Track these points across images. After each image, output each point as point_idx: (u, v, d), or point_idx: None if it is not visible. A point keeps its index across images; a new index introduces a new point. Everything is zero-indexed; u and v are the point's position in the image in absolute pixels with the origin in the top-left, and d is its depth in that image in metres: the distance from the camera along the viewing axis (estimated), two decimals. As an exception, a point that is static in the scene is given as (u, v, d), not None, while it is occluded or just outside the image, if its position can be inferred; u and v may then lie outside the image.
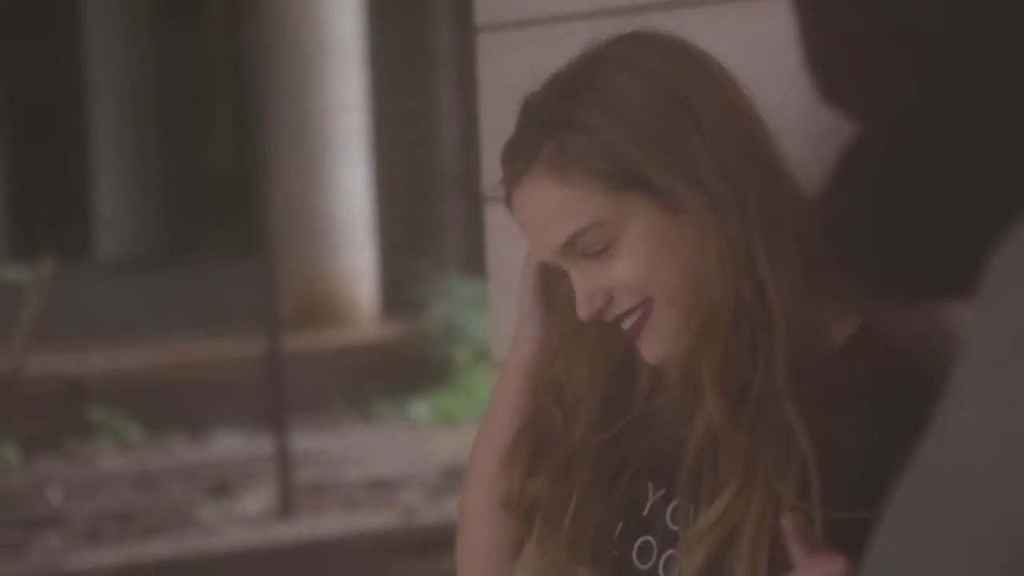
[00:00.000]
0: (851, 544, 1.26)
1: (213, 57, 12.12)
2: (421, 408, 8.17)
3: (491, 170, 2.31)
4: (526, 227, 1.38)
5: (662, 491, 1.37)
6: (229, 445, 7.65)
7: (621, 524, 1.39)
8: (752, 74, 1.57)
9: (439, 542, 6.00)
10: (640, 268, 1.32)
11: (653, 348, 1.35)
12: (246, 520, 6.58)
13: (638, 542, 1.37)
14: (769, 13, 1.65)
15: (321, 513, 6.61)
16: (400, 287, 8.90)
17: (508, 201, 1.39)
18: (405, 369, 8.33)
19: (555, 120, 1.36)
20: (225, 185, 11.97)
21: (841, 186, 0.87)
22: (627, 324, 1.35)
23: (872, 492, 1.23)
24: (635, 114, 1.33)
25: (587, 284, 1.34)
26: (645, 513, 1.37)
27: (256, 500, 6.79)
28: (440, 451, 7.43)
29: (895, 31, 0.82)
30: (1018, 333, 0.68)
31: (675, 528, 1.35)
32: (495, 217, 2.32)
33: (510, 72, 2.23)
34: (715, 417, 1.30)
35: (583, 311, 1.35)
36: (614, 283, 1.33)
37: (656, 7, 1.84)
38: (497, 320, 2.33)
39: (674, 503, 1.36)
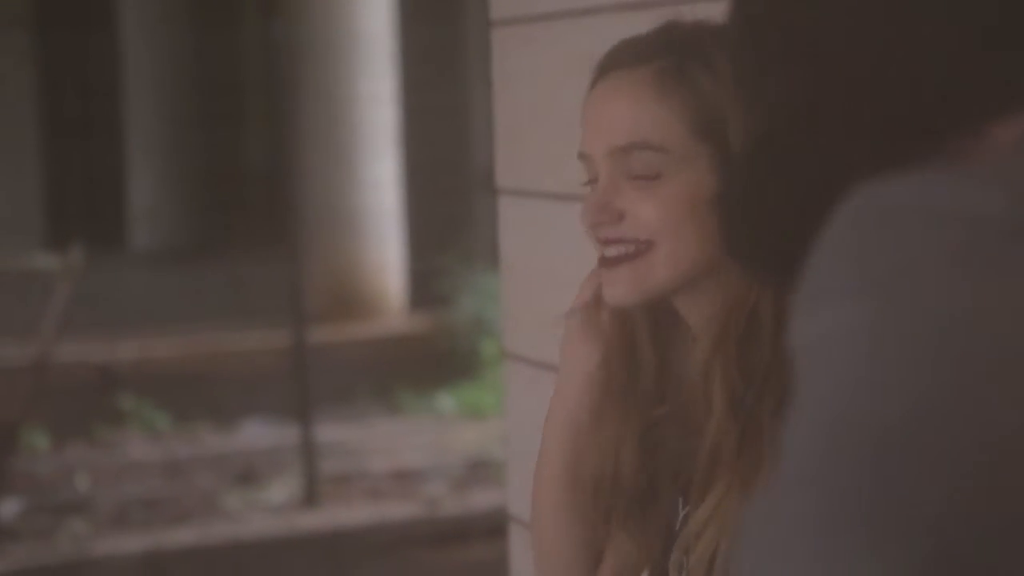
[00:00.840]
0: None
1: (246, 51, 12.18)
2: (447, 400, 8.21)
3: (505, 162, 2.35)
4: (596, 115, 1.35)
5: (687, 508, 1.36)
6: (256, 435, 7.70)
7: (660, 541, 1.39)
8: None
9: (461, 533, 6.05)
10: (669, 213, 1.31)
11: (621, 289, 1.33)
12: (271, 509, 6.63)
13: (672, 557, 1.37)
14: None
15: (345, 503, 6.65)
16: (428, 280, 8.94)
17: (592, 85, 1.37)
18: (432, 362, 8.37)
19: (687, 45, 1.34)
20: (257, 178, 12.03)
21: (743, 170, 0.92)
22: (613, 251, 1.33)
23: None
24: (734, 95, 1.29)
25: (610, 196, 1.32)
26: (677, 528, 1.37)
27: (281, 489, 6.84)
28: (465, 443, 7.47)
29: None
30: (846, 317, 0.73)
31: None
32: (508, 209, 2.36)
33: (523, 66, 2.27)
34: (721, 422, 1.30)
35: (589, 218, 1.32)
36: (637, 211, 1.31)
37: (663, 2, 1.87)
38: (508, 310, 2.37)
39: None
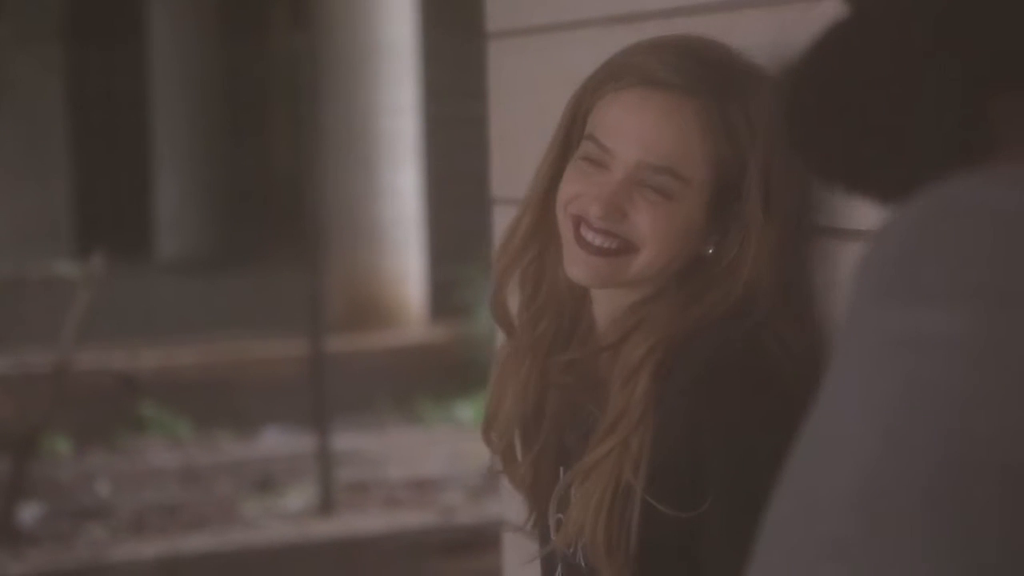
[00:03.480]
0: (663, 538, 1.37)
1: (271, 62, 12.24)
2: (466, 410, 8.23)
3: (500, 172, 2.38)
4: (634, 124, 1.45)
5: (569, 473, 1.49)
6: (275, 442, 7.73)
7: (542, 501, 1.53)
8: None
9: (477, 542, 6.07)
10: (663, 229, 1.43)
11: (592, 274, 1.45)
12: (287, 516, 6.66)
13: (554, 518, 1.50)
14: (756, 24, 1.70)
15: (361, 510, 6.68)
16: (448, 290, 8.96)
17: (616, 88, 1.46)
18: (451, 371, 8.39)
19: (724, 86, 1.44)
20: (281, 187, 12.08)
21: (809, 73, 0.85)
22: (597, 241, 1.44)
23: (690, 491, 1.35)
24: (761, 142, 1.43)
25: (622, 198, 1.43)
26: (560, 493, 1.49)
27: (299, 497, 6.87)
28: (482, 453, 7.47)
29: None
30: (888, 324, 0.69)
31: None
32: (504, 219, 2.39)
33: (518, 77, 2.30)
34: (638, 394, 1.40)
35: (598, 209, 1.43)
36: (639, 218, 1.43)
37: (653, 15, 1.89)
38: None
39: None
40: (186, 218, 11.76)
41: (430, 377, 8.31)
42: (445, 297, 9.01)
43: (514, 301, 1.59)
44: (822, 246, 1.58)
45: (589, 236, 1.44)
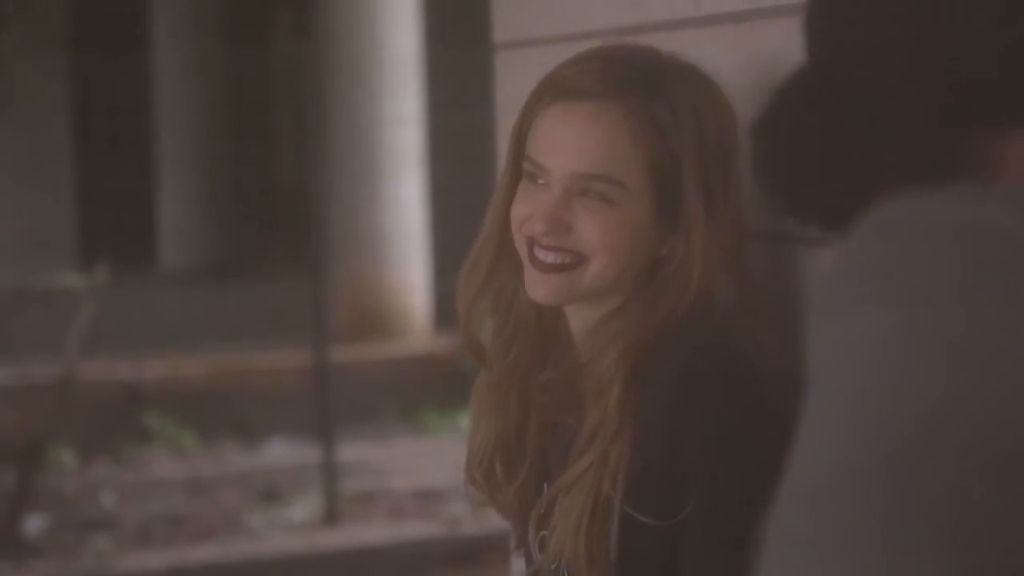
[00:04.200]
0: (643, 548, 1.37)
1: (275, 72, 12.26)
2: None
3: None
4: (562, 136, 1.45)
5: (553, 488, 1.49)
6: (280, 453, 7.73)
7: (527, 521, 1.52)
8: (744, 91, 1.63)
9: (482, 553, 6.06)
10: (610, 235, 1.43)
11: (549, 291, 1.45)
12: (292, 527, 6.66)
13: (539, 536, 1.50)
14: (762, 34, 1.70)
15: (366, 521, 6.68)
16: (452, 300, 8.95)
17: (545, 104, 1.47)
18: (456, 381, 8.38)
19: (651, 83, 1.45)
20: (285, 197, 12.10)
21: (777, 118, 0.93)
22: (549, 258, 1.45)
23: (670, 499, 1.34)
24: (692, 137, 1.44)
25: (562, 211, 1.44)
26: (543, 511, 1.49)
27: (304, 507, 6.87)
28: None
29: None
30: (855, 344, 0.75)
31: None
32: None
33: (525, 89, 2.30)
34: (613, 406, 1.40)
35: (541, 227, 1.44)
36: (583, 228, 1.43)
37: (659, 27, 1.90)
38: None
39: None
40: (190, 228, 11.76)
41: (434, 387, 8.31)
42: (449, 307, 8.95)
43: (485, 332, 1.60)
44: (785, 250, 1.58)
45: (541, 255, 1.45)
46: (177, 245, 11.85)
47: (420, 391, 8.31)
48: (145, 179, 12.11)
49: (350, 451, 7.21)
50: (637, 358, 1.40)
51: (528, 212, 1.47)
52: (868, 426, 0.71)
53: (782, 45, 1.68)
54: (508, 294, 1.53)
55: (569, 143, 1.45)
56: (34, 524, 6.51)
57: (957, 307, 0.72)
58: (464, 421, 8.78)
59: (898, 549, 0.68)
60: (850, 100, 0.87)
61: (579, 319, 1.49)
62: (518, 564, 1.67)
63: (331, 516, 6.66)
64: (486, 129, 2.40)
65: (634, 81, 1.45)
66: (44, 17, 12.04)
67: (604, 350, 1.43)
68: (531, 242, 1.46)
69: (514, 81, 2.33)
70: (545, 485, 1.51)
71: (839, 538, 0.69)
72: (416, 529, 6.50)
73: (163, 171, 11.92)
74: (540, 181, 1.47)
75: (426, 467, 7.45)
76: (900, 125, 0.85)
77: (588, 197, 1.44)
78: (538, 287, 1.45)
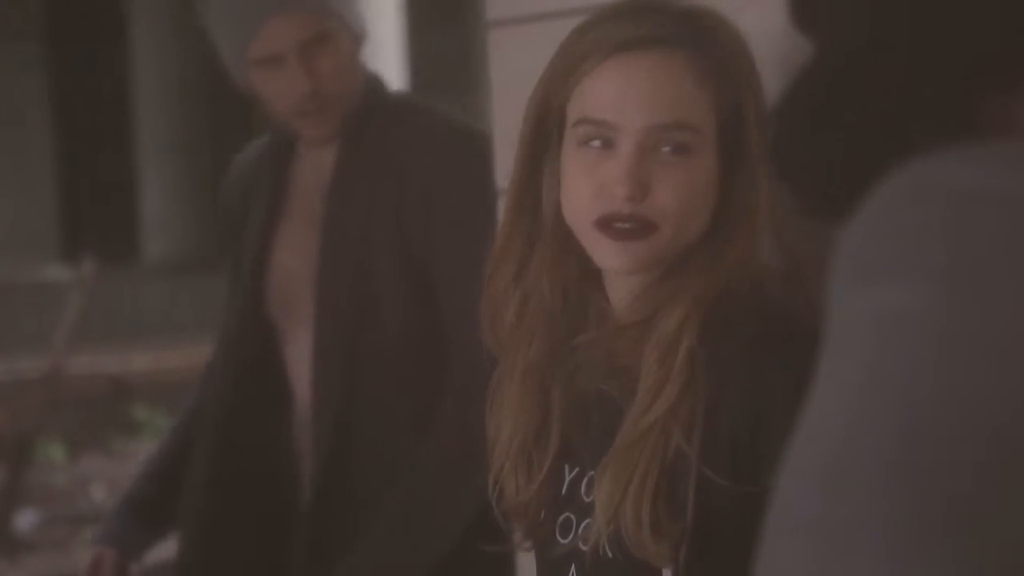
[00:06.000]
0: (718, 514, 1.31)
1: (256, 59, 12.22)
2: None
3: (504, 163, 2.35)
4: (632, 89, 1.39)
5: (576, 470, 1.42)
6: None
7: (544, 508, 1.44)
8: (786, 58, 1.60)
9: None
10: (681, 199, 1.37)
11: (627, 260, 1.38)
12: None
13: (560, 519, 1.42)
14: (765, 4, 1.68)
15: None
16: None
17: (595, 62, 1.40)
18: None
19: (700, 31, 1.41)
20: (268, 186, 12.05)
21: (795, 103, 0.90)
22: (620, 226, 1.37)
23: (750, 462, 1.29)
24: (747, 78, 1.41)
25: (640, 170, 1.37)
26: (564, 492, 1.43)
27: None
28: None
29: None
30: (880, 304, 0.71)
31: (590, 500, 1.39)
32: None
33: (521, 67, 2.26)
34: (687, 355, 1.34)
35: (625, 189, 1.36)
36: (657, 191, 1.37)
37: None
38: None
39: (589, 475, 1.40)
40: (173, 220, 11.72)
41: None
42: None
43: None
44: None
45: (615, 223, 1.37)
46: (160, 237, 11.81)
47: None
48: (127, 171, 12.06)
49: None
50: (707, 311, 1.34)
51: (595, 184, 1.38)
52: (890, 405, 0.68)
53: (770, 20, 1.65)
54: (528, 283, 1.45)
55: (640, 95, 1.38)
56: (26, 520, 6.48)
57: (999, 290, 0.69)
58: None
59: (914, 533, 0.65)
60: (862, 73, 0.84)
61: (626, 284, 1.42)
62: (526, 558, 1.61)
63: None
64: (469, 114, 2.38)
65: (686, 27, 1.41)
66: (21, 9, 11.97)
67: (665, 307, 1.36)
68: (606, 220, 1.37)
69: (510, 60, 2.30)
70: (567, 467, 1.45)
71: (853, 520, 0.66)
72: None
73: (145, 163, 11.87)
74: (595, 143, 1.39)
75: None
76: (922, 88, 0.82)
77: (662, 151, 1.37)
78: (613, 257, 1.37)
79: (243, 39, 2.39)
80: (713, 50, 1.40)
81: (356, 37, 2.43)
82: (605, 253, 1.39)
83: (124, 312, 9.27)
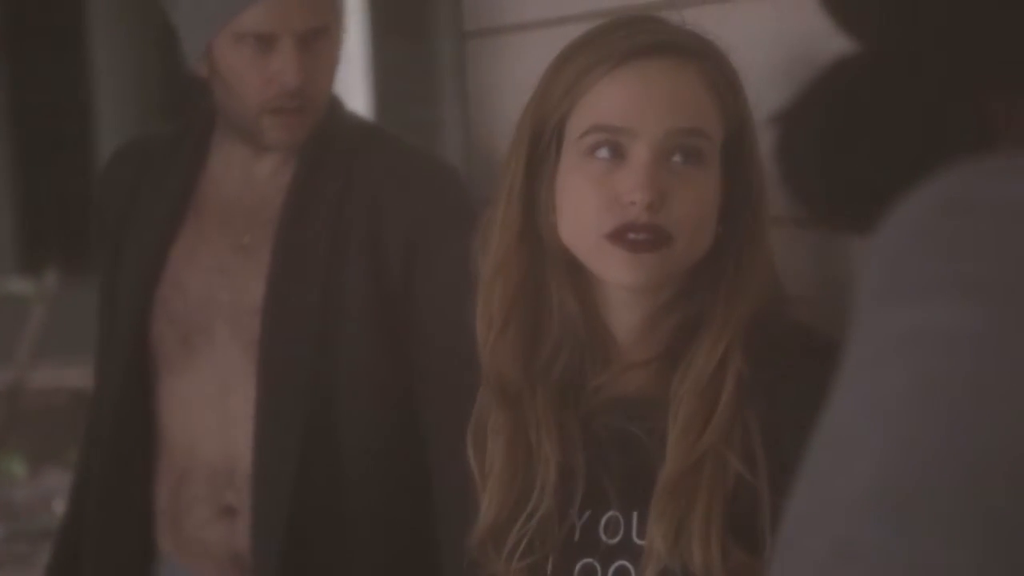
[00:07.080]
0: None
1: (218, 70, 12.17)
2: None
3: (481, 173, 2.32)
4: (649, 96, 1.36)
5: (588, 512, 1.36)
6: (235, 456, 7.66)
7: (551, 560, 1.36)
8: (776, 68, 1.58)
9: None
10: (694, 210, 1.34)
11: (643, 274, 1.33)
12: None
13: (577, 567, 1.35)
14: (795, 6, 1.65)
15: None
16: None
17: (605, 70, 1.37)
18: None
19: (703, 47, 1.41)
20: (231, 197, 12.01)
21: (805, 110, 0.87)
22: (634, 237, 1.33)
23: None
24: (746, 98, 1.41)
25: (657, 177, 1.34)
26: (576, 539, 1.36)
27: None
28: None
29: None
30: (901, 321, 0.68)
31: (612, 541, 1.33)
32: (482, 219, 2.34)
33: (498, 77, 2.24)
34: (734, 381, 1.31)
35: (646, 195, 1.32)
36: (672, 201, 1.34)
37: (646, 7, 1.85)
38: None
39: (608, 515, 1.35)
40: (134, 231, 11.65)
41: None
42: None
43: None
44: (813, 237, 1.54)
45: (631, 235, 1.33)
46: (121, 248, 11.73)
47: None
48: (87, 182, 11.98)
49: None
50: (747, 336, 1.31)
51: (606, 195, 1.33)
52: (954, 431, 0.64)
53: (775, 23, 1.64)
54: (542, 309, 1.38)
55: (659, 98, 1.35)
56: (-14, 535, 6.41)
57: None
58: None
59: (974, 552, 0.62)
60: (887, 79, 0.82)
61: (633, 311, 1.37)
62: None
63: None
64: (434, 124, 2.34)
65: (694, 39, 1.41)
66: (-21, 20, 11.89)
67: (688, 336, 1.32)
68: (620, 231, 1.32)
69: (487, 70, 2.28)
70: (587, 512, 1.36)
71: (913, 547, 0.63)
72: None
73: (105, 174, 11.79)
74: (603, 153, 1.35)
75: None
76: (946, 97, 0.80)
77: (673, 161, 1.34)
78: (629, 270, 1.32)
79: (238, 1, 2.03)
80: (718, 63, 1.39)
81: (342, 42, 2.17)
82: (619, 267, 1.33)
83: (86, 325, 9.20)
